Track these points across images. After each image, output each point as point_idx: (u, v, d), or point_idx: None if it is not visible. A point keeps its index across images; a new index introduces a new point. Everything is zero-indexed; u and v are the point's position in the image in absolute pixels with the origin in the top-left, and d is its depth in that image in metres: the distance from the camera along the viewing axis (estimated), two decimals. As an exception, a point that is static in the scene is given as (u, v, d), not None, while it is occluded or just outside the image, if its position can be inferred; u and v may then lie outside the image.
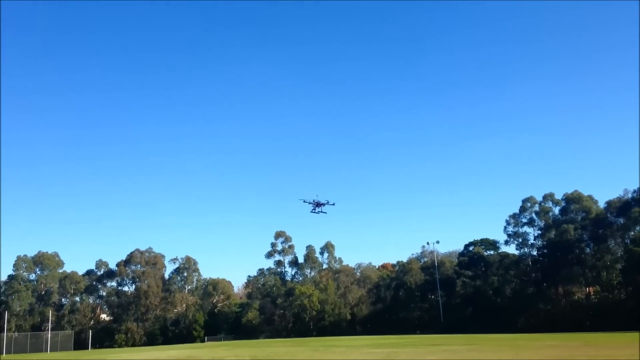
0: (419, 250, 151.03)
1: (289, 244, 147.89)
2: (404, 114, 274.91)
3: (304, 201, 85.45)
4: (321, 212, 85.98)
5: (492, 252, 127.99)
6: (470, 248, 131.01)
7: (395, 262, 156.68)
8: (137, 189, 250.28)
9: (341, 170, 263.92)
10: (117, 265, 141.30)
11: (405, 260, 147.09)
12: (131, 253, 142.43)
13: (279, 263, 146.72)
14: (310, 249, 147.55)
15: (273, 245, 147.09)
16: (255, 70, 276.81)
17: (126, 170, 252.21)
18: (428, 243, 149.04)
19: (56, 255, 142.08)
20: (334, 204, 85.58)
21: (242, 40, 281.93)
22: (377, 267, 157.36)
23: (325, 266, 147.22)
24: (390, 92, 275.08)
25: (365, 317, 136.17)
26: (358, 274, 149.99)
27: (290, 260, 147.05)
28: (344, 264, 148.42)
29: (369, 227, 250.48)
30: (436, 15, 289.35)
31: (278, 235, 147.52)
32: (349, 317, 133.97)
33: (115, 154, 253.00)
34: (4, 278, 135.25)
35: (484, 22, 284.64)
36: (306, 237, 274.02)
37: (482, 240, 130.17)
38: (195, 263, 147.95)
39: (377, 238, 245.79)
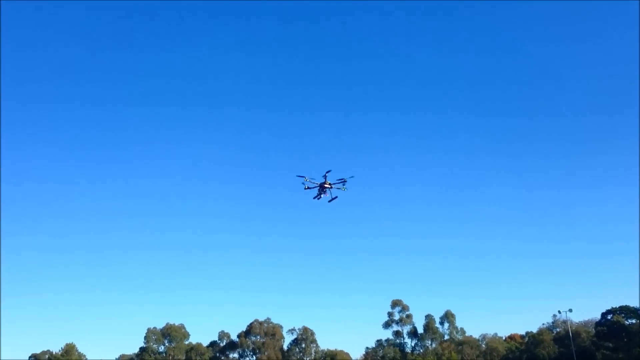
0: (550, 320, 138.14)
1: (407, 313, 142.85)
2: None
3: (304, 185, 63.99)
4: (332, 199, 64.00)
5: (634, 321, 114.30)
6: (609, 317, 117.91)
7: (524, 333, 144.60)
8: (253, 261, 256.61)
9: (458, 236, 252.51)
10: (238, 336, 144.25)
11: (535, 330, 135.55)
12: (251, 324, 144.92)
13: (397, 333, 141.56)
14: (429, 319, 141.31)
15: (390, 314, 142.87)
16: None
17: (241, 243, 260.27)
18: (560, 312, 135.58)
19: (182, 327, 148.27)
20: (344, 183, 62.87)
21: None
22: (504, 338, 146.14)
23: (446, 337, 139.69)
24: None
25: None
26: (483, 345, 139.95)
27: (409, 330, 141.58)
28: (466, 334, 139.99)
29: (491, 294, 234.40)
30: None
31: (395, 304, 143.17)
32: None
33: (231, 231, 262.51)
34: (136, 350, 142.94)
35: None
36: (424, 304, 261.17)
37: (621, 307, 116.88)
38: (312, 334, 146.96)
39: (502, 306, 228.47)
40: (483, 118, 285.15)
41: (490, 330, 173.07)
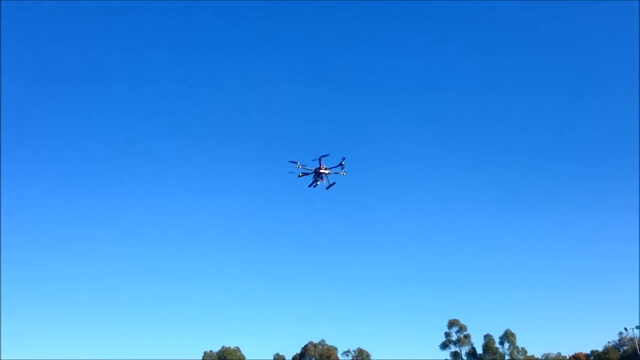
0: (617, 337, 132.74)
1: (465, 333, 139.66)
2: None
3: (299, 172, 59.27)
4: (330, 185, 59.74)
5: None
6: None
7: (589, 352, 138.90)
8: (306, 283, 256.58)
9: (516, 253, 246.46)
10: (293, 358, 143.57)
11: (600, 349, 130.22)
12: (305, 346, 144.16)
13: (455, 354, 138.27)
14: (488, 339, 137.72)
15: (447, 335, 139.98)
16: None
17: (293, 265, 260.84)
18: (626, 329, 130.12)
19: (238, 349, 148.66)
20: (342, 167, 58.20)
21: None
22: (568, 357, 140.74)
23: (507, 357, 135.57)
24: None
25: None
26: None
27: (467, 351, 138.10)
28: (528, 354, 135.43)
29: (554, 312, 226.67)
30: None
31: (452, 323, 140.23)
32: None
33: (284, 255, 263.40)
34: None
35: None
36: (482, 324, 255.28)
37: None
38: (368, 355, 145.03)
39: (565, 324, 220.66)
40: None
41: (553, 350, 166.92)
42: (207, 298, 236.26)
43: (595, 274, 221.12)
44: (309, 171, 59.14)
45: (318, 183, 59.83)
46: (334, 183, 60.00)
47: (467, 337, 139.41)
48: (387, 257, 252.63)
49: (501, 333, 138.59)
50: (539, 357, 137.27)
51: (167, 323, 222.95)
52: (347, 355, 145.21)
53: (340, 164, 59.39)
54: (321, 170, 59.15)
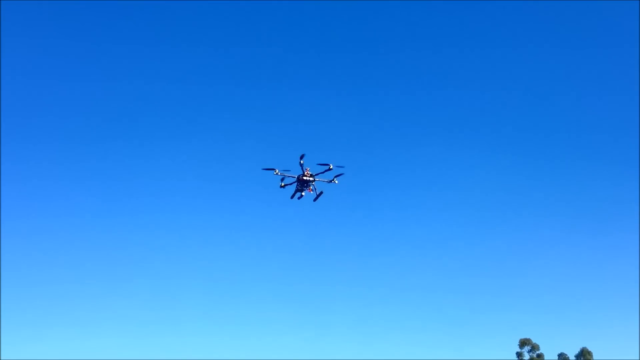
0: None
1: (537, 352, 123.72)
2: None
3: (280, 180, 49.97)
4: (318, 195, 50.67)
5: None
6: None
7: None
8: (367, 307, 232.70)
9: (588, 263, 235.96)
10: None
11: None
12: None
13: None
14: (563, 358, 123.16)
15: (519, 354, 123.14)
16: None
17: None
18: None
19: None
20: (331, 171, 48.73)
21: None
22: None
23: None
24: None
25: None
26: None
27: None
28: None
29: (634, 326, 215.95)
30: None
31: (523, 343, 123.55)
32: None
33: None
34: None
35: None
36: (556, 343, 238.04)
37: None
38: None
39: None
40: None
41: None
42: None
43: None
44: (291, 179, 48.93)
45: (304, 194, 49.84)
46: (321, 193, 50.19)
47: (540, 356, 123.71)
48: (451, 275, 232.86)
49: (577, 351, 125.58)
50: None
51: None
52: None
53: (329, 169, 48.09)
54: (305, 178, 48.54)
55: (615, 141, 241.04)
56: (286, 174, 48.10)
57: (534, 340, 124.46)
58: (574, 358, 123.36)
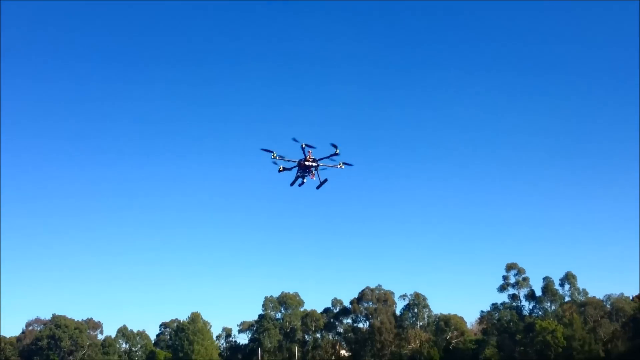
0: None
1: (523, 276, 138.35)
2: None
3: (277, 164, 45.06)
4: (321, 183, 46.27)
5: None
6: None
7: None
8: (360, 227, 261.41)
9: (573, 194, 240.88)
10: (351, 302, 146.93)
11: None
12: (362, 291, 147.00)
13: (513, 297, 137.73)
14: (548, 281, 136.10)
15: (505, 278, 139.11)
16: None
17: (349, 213, 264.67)
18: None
19: (297, 295, 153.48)
20: (335, 157, 44.55)
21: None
22: (631, 298, 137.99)
23: (567, 299, 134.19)
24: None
25: (623, 354, 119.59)
26: (608, 306, 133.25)
27: (526, 293, 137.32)
28: (589, 295, 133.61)
29: (616, 252, 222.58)
30: None
31: (510, 267, 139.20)
32: (602, 354, 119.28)
33: (338, 202, 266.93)
34: (256, 317, 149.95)
35: None
36: (541, 267, 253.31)
37: None
38: (424, 299, 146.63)
39: (629, 264, 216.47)
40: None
41: (615, 291, 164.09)
42: (267, 247, 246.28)
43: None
44: (291, 164, 44.94)
45: (305, 180, 45.86)
46: (325, 180, 45.98)
47: (525, 279, 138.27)
48: (445, 203, 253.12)
49: (561, 275, 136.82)
50: (601, 298, 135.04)
51: (231, 272, 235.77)
52: (404, 299, 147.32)
53: (335, 153, 44.78)
54: (307, 163, 44.71)
55: None
56: (285, 157, 44.29)
57: (520, 265, 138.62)
58: (558, 281, 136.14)
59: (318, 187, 47.09)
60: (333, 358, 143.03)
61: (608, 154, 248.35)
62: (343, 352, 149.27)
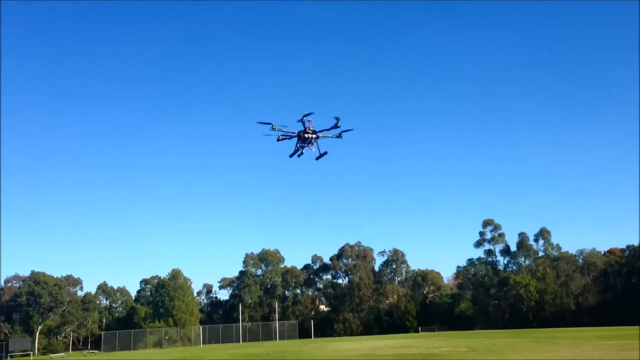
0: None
1: (499, 232, 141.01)
2: None
3: (277, 134, 43.87)
4: (321, 155, 45.58)
5: None
6: None
7: (624, 247, 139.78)
8: (340, 185, 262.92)
9: (547, 147, 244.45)
10: (331, 259, 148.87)
11: (636, 243, 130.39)
12: (342, 247, 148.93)
13: (489, 252, 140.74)
14: (523, 237, 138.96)
15: (482, 234, 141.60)
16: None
17: (325, 170, 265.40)
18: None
19: (277, 252, 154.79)
20: (336, 129, 43.78)
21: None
22: (602, 252, 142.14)
23: (541, 254, 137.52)
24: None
25: (592, 307, 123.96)
26: (580, 260, 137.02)
27: (501, 249, 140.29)
28: (562, 250, 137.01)
29: (589, 208, 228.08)
30: None
31: (486, 223, 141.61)
32: (573, 307, 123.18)
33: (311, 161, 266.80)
34: (236, 274, 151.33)
35: None
36: (517, 223, 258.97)
37: None
38: (403, 255, 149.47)
39: (601, 220, 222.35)
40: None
41: (588, 246, 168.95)
42: (246, 204, 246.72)
43: (630, 169, 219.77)
44: (290, 135, 43.67)
45: (304, 151, 44.59)
46: (325, 153, 45.17)
47: (501, 235, 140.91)
48: (421, 159, 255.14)
49: (536, 231, 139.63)
50: (574, 253, 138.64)
51: (211, 228, 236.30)
52: (383, 256, 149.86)
53: (336, 125, 43.68)
54: (307, 135, 43.60)
55: None
56: (284, 129, 43.49)
57: (497, 221, 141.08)
58: (533, 237, 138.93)
59: (317, 158, 46.23)
60: (312, 313, 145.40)
61: (583, 110, 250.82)
62: (322, 307, 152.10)
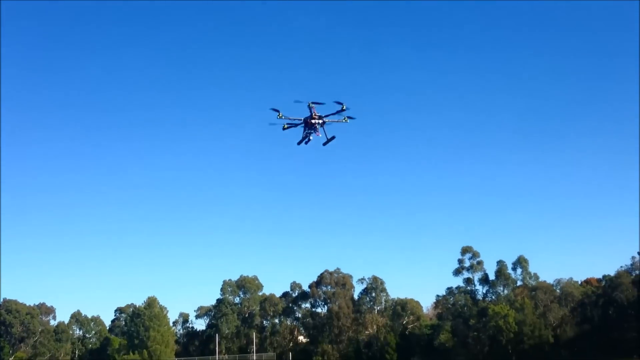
0: (629, 262, 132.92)
1: (478, 259, 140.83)
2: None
3: (283, 122, 46.33)
4: (328, 140, 47.30)
5: None
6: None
7: (600, 277, 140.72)
8: (320, 214, 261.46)
9: (527, 179, 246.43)
10: (310, 286, 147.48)
11: (612, 274, 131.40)
12: (321, 274, 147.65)
13: (468, 281, 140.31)
14: (501, 265, 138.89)
15: (460, 261, 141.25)
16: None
17: (306, 199, 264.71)
18: (639, 253, 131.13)
19: (256, 278, 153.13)
20: (341, 113, 45.04)
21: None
22: (579, 282, 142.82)
23: (519, 283, 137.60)
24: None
25: (570, 339, 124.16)
26: (558, 290, 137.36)
27: (480, 277, 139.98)
28: (540, 279, 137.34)
29: (566, 238, 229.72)
30: None
31: (465, 250, 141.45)
32: (551, 339, 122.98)
33: (295, 188, 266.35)
34: (214, 302, 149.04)
35: None
36: (495, 251, 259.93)
37: None
38: (382, 283, 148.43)
39: (577, 249, 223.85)
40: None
41: (565, 275, 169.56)
42: (225, 230, 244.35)
43: (608, 200, 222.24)
44: (297, 122, 45.46)
45: (311, 138, 46.38)
46: (333, 137, 46.77)
47: (480, 263, 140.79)
48: (401, 188, 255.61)
49: (514, 259, 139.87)
50: (551, 283, 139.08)
51: (187, 254, 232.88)
52: (362, 283, 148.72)
53: (342, 109, 45.24)
54: (313, 120, 45.50)
55: None
56: (291, 117, 44.98)
57: (475, 249, 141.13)
58: (511, 265, 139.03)
59: (325, 144, 47.96)
60: (291, 344, 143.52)
61: (562, 139, 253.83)
62: (301, 337, 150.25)
